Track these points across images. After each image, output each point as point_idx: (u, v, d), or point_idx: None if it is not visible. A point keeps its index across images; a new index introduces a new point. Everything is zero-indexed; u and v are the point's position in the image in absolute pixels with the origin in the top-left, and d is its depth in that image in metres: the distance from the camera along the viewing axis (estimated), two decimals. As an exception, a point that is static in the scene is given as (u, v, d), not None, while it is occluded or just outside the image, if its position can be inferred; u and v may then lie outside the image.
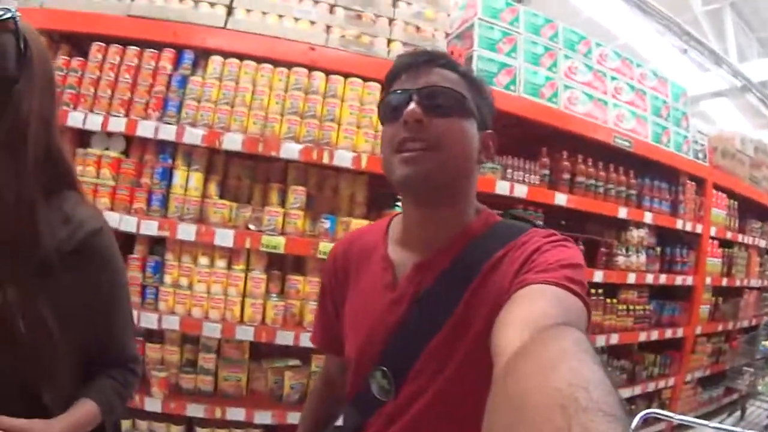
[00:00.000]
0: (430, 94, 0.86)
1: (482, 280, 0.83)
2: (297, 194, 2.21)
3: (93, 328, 0.97)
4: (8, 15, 0.83)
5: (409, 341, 0.86)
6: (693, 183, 3.49)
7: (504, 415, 0.40)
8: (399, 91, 0.89)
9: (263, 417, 2.20)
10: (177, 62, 2.30)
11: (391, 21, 2.45)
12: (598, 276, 2.81)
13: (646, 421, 2.32)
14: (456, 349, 0.82)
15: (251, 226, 2.17)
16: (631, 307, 3.13)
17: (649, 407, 3.39)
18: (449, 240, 0.90)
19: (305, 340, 2.13)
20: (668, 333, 3.42)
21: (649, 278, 3.15)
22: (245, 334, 2.16)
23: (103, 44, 2.26)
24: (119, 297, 1.03)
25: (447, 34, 2.51)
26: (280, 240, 2.13)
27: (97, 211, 1.01)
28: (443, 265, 0.88)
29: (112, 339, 1.03)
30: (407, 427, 0.85)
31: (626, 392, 3.22)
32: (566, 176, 2.71)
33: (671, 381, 3.58)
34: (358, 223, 2.21)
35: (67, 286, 0.89)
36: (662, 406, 3.55)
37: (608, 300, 2.99)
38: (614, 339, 3.01)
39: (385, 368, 0.88)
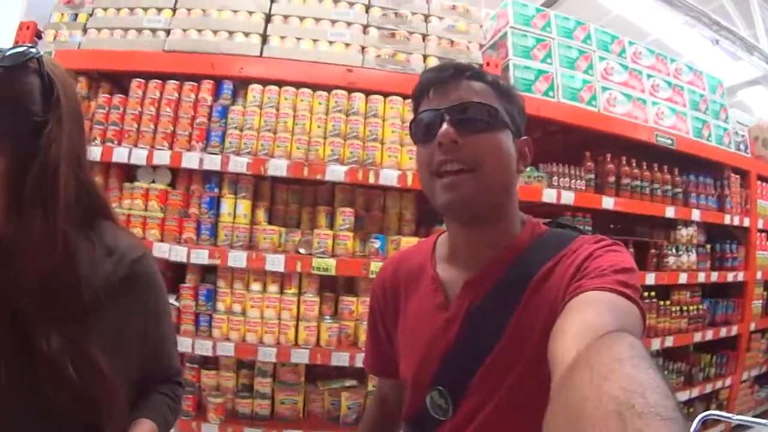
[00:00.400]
0: (461, 111, 0.85)
1: (533, 292, 0.82)
2: (345, 216, 2.22)
3: (144, 350, 0.98)
4: (31, 55, 0.80)
5: (464, 359, 0.86)
6: (737, 176, 3.40)
7: (562, 426, 0.40)
8: (429, 111, 0.87)
9: (321, 438, 2.20)
10: (216, 93, 2.35)
11: (424, 37, 2.46)
12: (650, 278, 2.75)
13: (705, 423, 2.25)
14: (512, 363, 0.81)
15: (301, 250, 2.18)
16: (685, 308, 3.05)
17: (707, 409, 3.30)
18: (497, 255, 0.89)
19: (360, 360, 2.12)
20: (723, 332, 3.32)
21: (701, 277, 3.07)
22: (300, 357, 2.16)
23: (142, 80, 2.32)
24: (165, 315, 1.05)
25: (481, 46, 2.50)
26: (331, 262, 2.13)
27: (135, 237, 1.02)
28: (493, 281, 0.87)
29: (161, 357, 1.05)
30: None
31: (684, 395, 3.12)
32: (611, 179, 2.66)
33: (728, 381, 3.47)
34: (408, 241, 2.21)
35: (118, 316, 0.89)
36: (720, 407, 3.44)
37: (661, 302, 2.92)
38: (669, 341, 2.93)
39: (441, 388, 0.87)
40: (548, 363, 0.60)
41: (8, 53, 0.78)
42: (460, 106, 0.85)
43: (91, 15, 2.51)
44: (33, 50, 0.81)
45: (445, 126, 0.83)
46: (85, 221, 0.91)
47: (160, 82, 2.32)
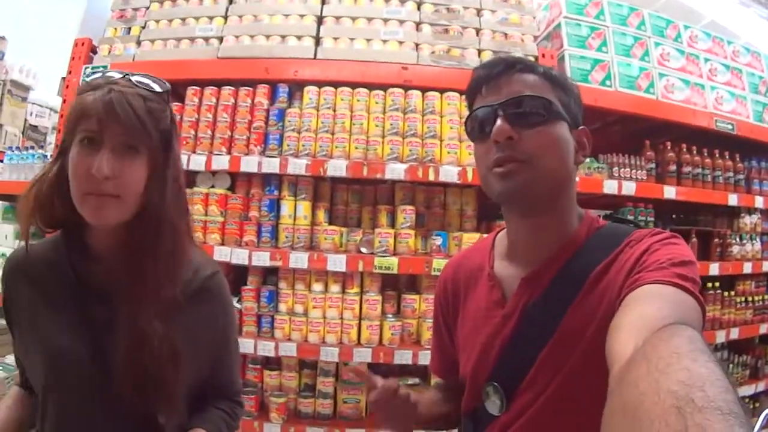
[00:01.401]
0: (515, 105, 0.84)
1: (590, 288, 0.82)
2: (406, 214, 2.22)
3: (208, 362, 1.04)
4: (165, 88, 0.94)
5: (520, 355, 0.86)
6: (800, 159, 3.26)
7: (620, 423, 0.40)
8: (483, 107, 0.87)
9: (384, 437, 2.20)
10: (272, 97, 2.38)
11: (478, 31, 2.44)
12: (714, 269, 2.66)
13: (772, 419, 2.17)
14: (567, 358, 0.80)
15: (363, 250, 2.19)
16: (750, 299, 2.94)
17: (774, 403, 3.19)
18: (555, 251, 0.89)
19: (423, 358, 2.12)
20: (790, 323, 3.19)
21: (766, 266, 2.95)
22: (363, 356, 2.17)
23: (197, 87, 2.37)
24: (232, 334, 1.12)
25: (535, 38, 2.47)
26: (393, 260, 2.14)
27: (207, 255, 1.13)
28: (550, 277, 0.87)
29: (223, 373, 1.11)
30: None
31: (749, 389, 3.01)
32: (672, 168, 2.59)
33: (795, 374, 3.33)
34: (469, 237, 2.20)
35: (189, 325, 0.96)
36: (787, 401, 3.32)
37: (725, 293, 2.82)
38: (734, 333, 2.83)
39: (496, 383, 0.88)
40: (605, 359, 0.60)
41: (155, 81, 0.93)
42: (514, 101, 0.85)
43: (144, 27, 2.59)
44: (165, 84, 0.95)
45: (499, 122, 0.83)
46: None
47: (215, 88, 2.36)
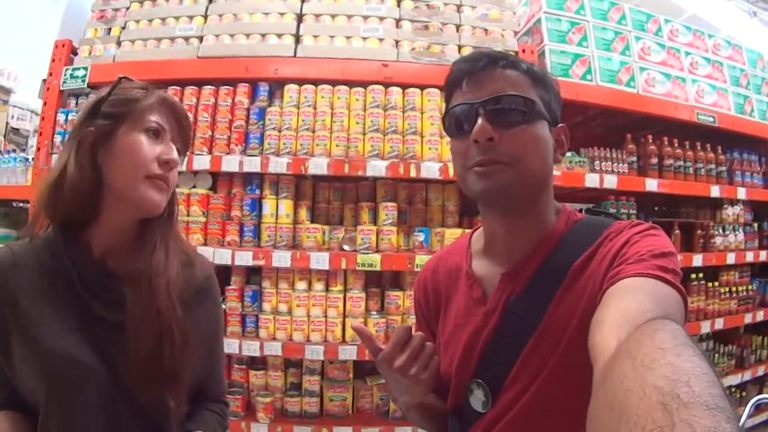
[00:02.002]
0: (497, 104, 0.82)
1: (571, 282, 0.81)
2: (388, 210, 2.22)
3: (201, 362, 1.04)
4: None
5: (503, 351, 0.86)
6: (782, 151, 3.29)
7: (606, 419, 0.39)
8: (464, 104, 0.84)
9: (371, 434, 2.20)
10: (253, 95, 2.37)
11: (458, 27, 2.44)
12: (697, 260, 2.68)
13: (759, 407, 2.19)
14: (550, 354, 0.80)
15: (346, 247, 2.19)
16: (734, 289, 2.97)
17: (760, 392, 3.21)
18: (534, 246, 0.88)
19: (409, 355, 2.12)
20: (773, 312, 3.22)
21: (749, 256, 2.98)
22: (348, 353, 2.17)
23: (178, 87, 2.34)
24: (221, 335, 1.16)
25: (515, 33, 2.47)
26: (376, 257, 2.13)
27: (200, 253, 1.14)
28: (530, 271, 0.86)
29: (214, 373, 1.12)
30: None
31: (735, 378, 3.04)
32: (654, 160, 2.60)
33: (781, 363, 3.37)
34: (452, 233, 2.20)
35: (191, 322, 0.97)
36: (773, 390, 3.35)
37: (709, 284, 2.84)
38: (719, 324, 2.85)
39: (480, 380, 0.87)
40: (587, 353, 0.59)
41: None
42: (496, 99, 0.82)
43: (123, 28, 2.56)
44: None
45: (480, 122, 0.81)
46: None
47: (196, 88, 2.34)
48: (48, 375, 0.87)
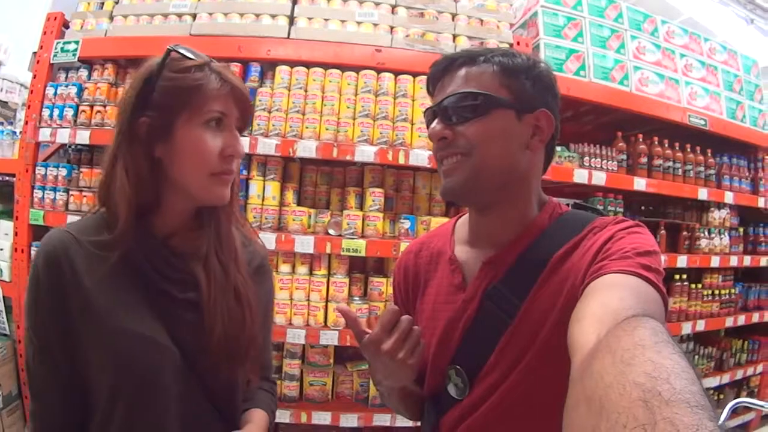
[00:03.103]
0: (446, 105, 0.85)
1: (551, 273, 0.81)
2: (375, 196, 2.21)
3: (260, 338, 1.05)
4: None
5: (481, 339, 0.86)
6: (772, 158, 3.31)
7: (584, 415, 0.39)
8: (428, 109, 0.91)
9: (349, 420, 2.20)
10: (244, 75, 2.35)
11: (453, 16, 2.42)
12: (682, 261, 2.69)
13: (736, 411, 2.21)
14: (527, 344, 0.80)
15: (331, 231, 2.18)
16: (717, 292, 2.99)
17: (737, 396, 3.25)
18: (515, 236, 0.88)
19: (390, 342, 2.12)
20: (755, 317, 3.25)
21: (734, 261, 3.00)
22: (330, 338, 2.17)
23: (170, 65, 2.32)
24: (272, 314, 1.18)
25: (511, 25, 2.46)
26: (361, 243, 2.13)
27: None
28: (511, 260, 0.87)
29: (266, 350, 1.12)
30: (481, 422, 0.84)
31: (714, 381, 3.07)
32: (643, 160, 2.61)
33: (760, 368, 3.40)
34: (437, 221, 2.19)
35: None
36: (751, 394, 3.39)
37: (693, 285, 2.87)
38: (700, 325, 2.88)
39: (458, 366, 0.88)
40: (565, 346, 0.59)
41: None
42: (446, 100, 0.86)
43: (117, 2, 2.54)
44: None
45: (433, 124, 0.86)
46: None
47: (187, 66, 2.31)
48: (120, 356, 0.82)
